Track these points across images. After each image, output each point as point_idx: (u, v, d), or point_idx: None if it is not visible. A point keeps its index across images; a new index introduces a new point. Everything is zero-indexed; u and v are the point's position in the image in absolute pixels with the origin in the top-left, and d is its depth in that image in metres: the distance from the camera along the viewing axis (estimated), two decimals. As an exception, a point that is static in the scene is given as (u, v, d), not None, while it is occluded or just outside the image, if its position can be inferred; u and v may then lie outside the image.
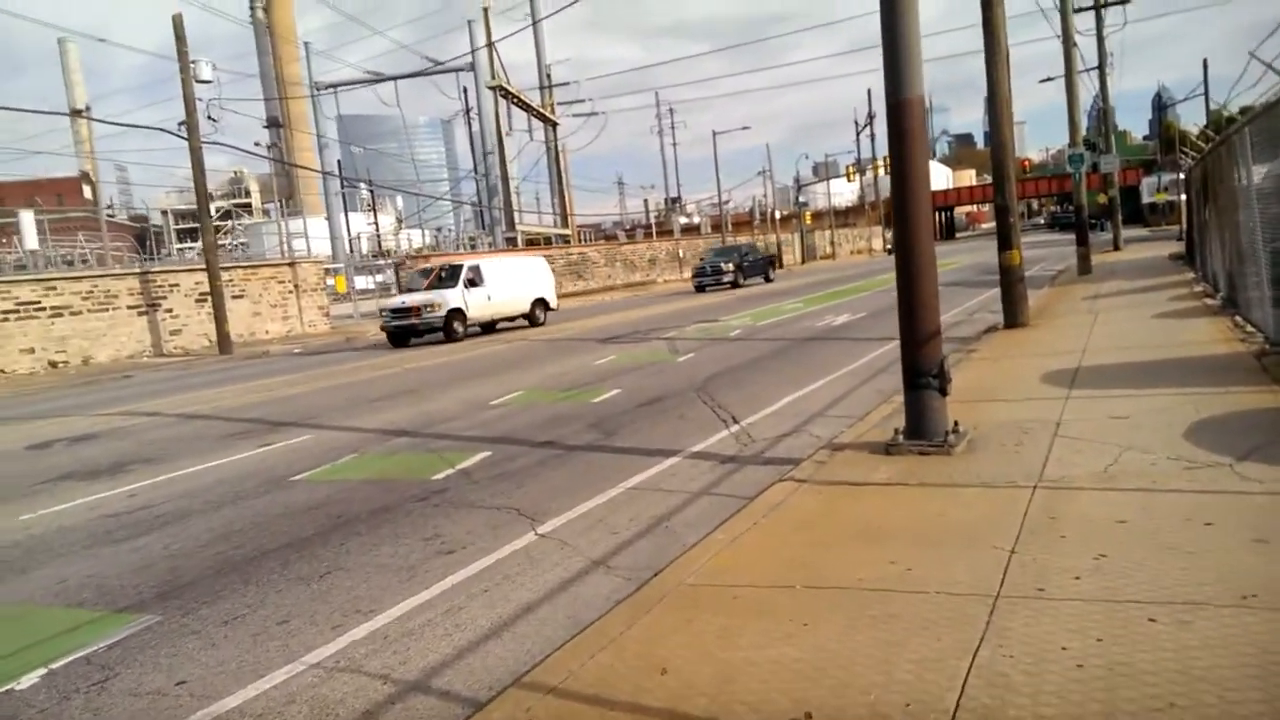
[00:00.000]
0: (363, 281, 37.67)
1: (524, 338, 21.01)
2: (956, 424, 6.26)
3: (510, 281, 24.12)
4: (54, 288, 24.01)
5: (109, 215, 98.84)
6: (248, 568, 5.42)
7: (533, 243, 60.37)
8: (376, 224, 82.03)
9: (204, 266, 30.15)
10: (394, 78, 65.87)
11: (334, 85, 69.40)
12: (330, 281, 33.67)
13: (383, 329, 22.85)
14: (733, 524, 5.05)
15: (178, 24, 22.65)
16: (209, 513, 6.84)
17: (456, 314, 21.78)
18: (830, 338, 15.22)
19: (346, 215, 77.29)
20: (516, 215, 57.80)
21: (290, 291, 30.99)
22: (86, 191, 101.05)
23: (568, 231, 67.49)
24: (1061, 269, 26.54)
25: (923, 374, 6.04)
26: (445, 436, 9.11)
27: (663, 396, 10.53)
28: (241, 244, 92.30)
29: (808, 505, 5.21)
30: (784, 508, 5.20)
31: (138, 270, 26.65)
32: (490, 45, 53.61)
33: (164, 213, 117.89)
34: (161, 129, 23.20)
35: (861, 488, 5.47)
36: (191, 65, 23.22)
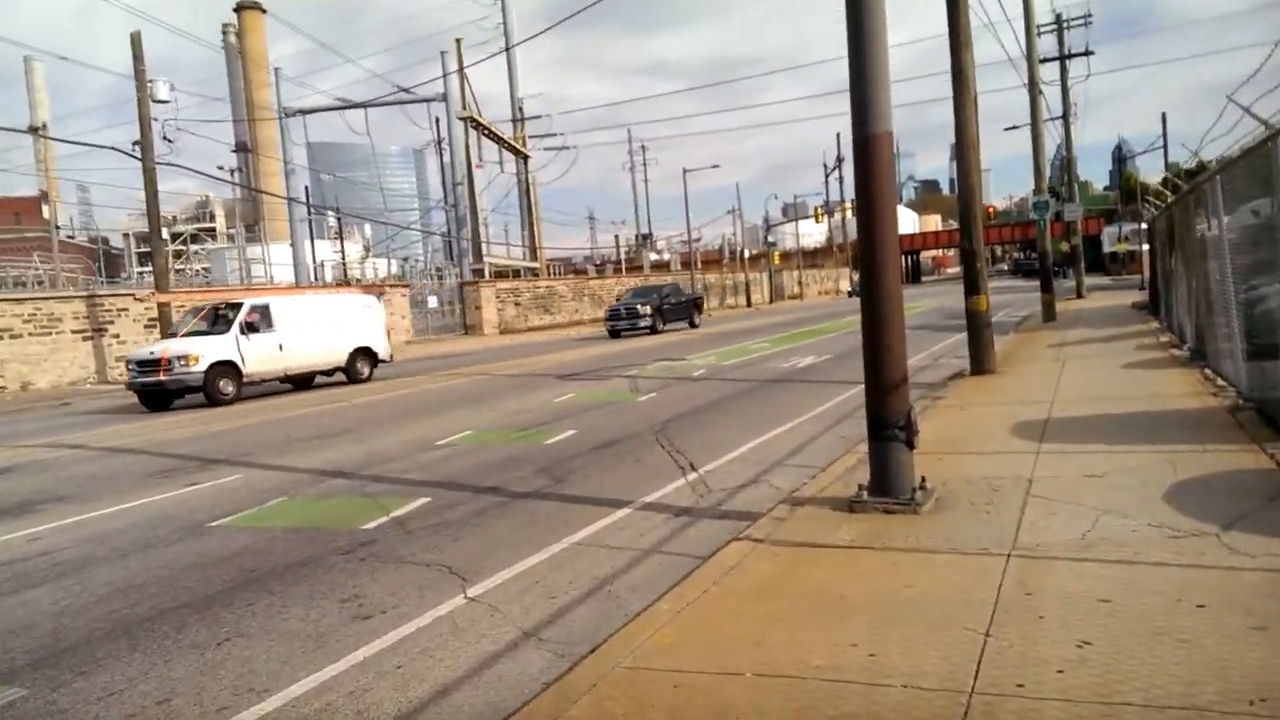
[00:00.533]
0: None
1: (485, 372, 20.44)
2: (924, 480, 5.87)
3: (318, 326, 19.16)
4: (-8, 309, 23.06)
5: (68, 237, 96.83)
6: (139, 630, 4.83)
7: (501, 275, 59.95)
8: (343, 252, 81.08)
9: (185, 291, 29.34)
10: (364, 105, 65.40)
11: (302, 111, 68.74)
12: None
13: (128, 387, 17.54)
14: (682, 590, 4.58)
15: (136, 42, 22.10)
16: (113, 562, 6.22)
17: (225, 369, 16.97)
18: (796, 379, 14.89)
19: (313, 243, 76.24)
20: (484, 246, 57.30)
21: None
22: (46, 211, 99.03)
23: (536, 265, 67.18)
24: (1026, 315, 26.62)
25: (888, 425, 5.65)
26: (384, 479, 8.55)
27: (619, 439, 10.06)
28: (204, 269, 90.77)
29: (763, 570, 4.76)
30: (738, 572, 4.75)
31: (84, 293, 25.76)
32: (461, 74, 53.58)
33: (125, 235, 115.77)
34: (115, 148, 22.54)
35: (822, 550, 5.03)
36: (150, 84, 22.64)
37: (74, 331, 24.80)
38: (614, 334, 31.95)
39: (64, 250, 79.72)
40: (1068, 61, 33.56)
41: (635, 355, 22.47)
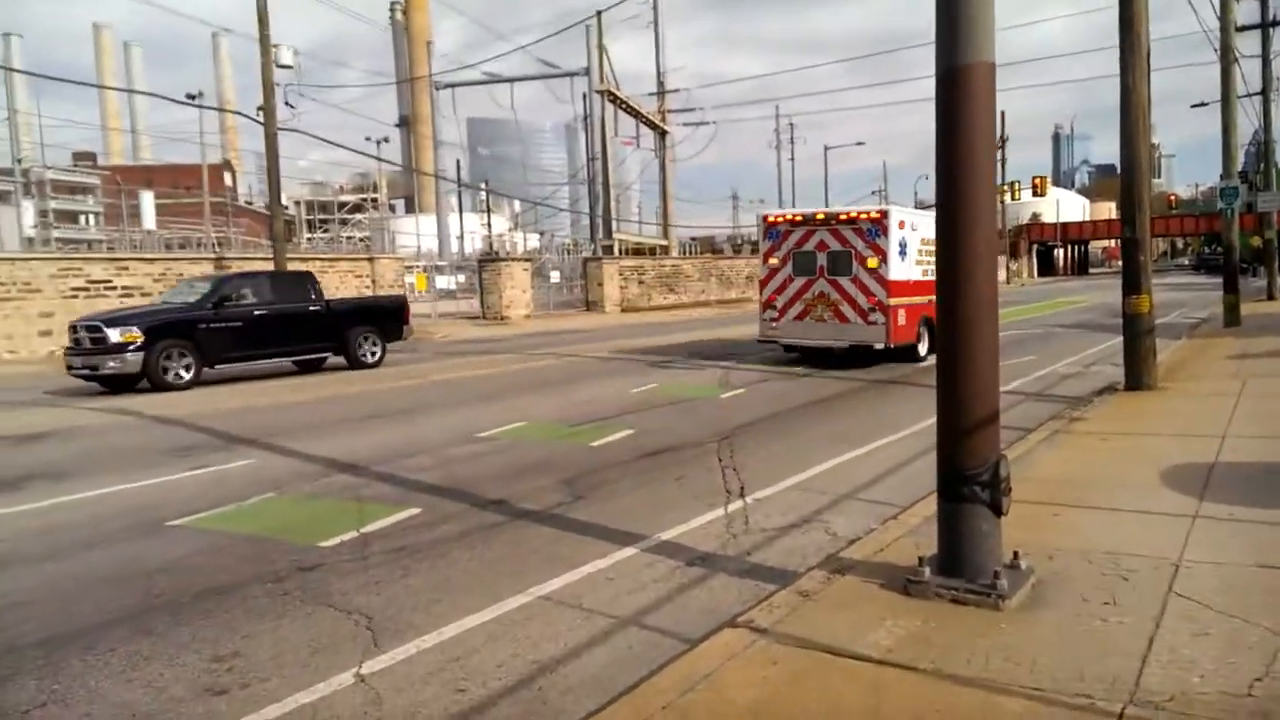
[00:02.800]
0: (445, 281, 37.09)
1: (578, 353, 19.42)
2: (1017, 555, 4.21)
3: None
4: (126, 268, 23.99)
5: (246, 203, 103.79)
6: (-29, 674, 3.91)
7: (637, 251, 59.26)
8: (489, 224, 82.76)
9: (300, 256, 30.05)
10: (509, 80, 65.81)
11: (452, 85, 69.87)
12: (410, 279, 33.10)
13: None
14: (620, 711, 3.20)
15: (261, 7, 22.23)
16: (32, 565, 5.43)
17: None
18: (912, 381, 12.96)
19: (461, 215, 78.26)
20: (615, 223, 56.61)
21: (366, 287, 30.47)
22: (227, 179, 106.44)
23: (667, 243, 66.11)
24: (1204, 317, 23.13)
25: (965, 479, 4.02)
26: (392, 478, 7.52)
27: (676, 445, 8.67)
28: (364, 239, 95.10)
29: (743, 692, 3.30)
30: (707, 690, 3.31)
31: (213, 256, 26.54)
32: (600, 48, 52.81)
33: (297, 203, 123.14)
34: (243, 114, 22.83)
35: (842, 664, 3.50)
36: (274, 49, 22.79)
37: (201, 292, 25.57)
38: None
39: (242, 215, 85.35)
40: (1271, 30, 29.02)
41: (744, 344, 20.89)
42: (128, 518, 6.43)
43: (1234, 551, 4.58)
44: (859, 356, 14.92)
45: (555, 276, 40.16)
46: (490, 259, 36.68)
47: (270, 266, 25.55)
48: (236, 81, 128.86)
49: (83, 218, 52.26)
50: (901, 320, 14.66)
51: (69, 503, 6.92)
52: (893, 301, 14.41)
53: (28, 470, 8.18)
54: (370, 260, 30.88)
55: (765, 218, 15.98)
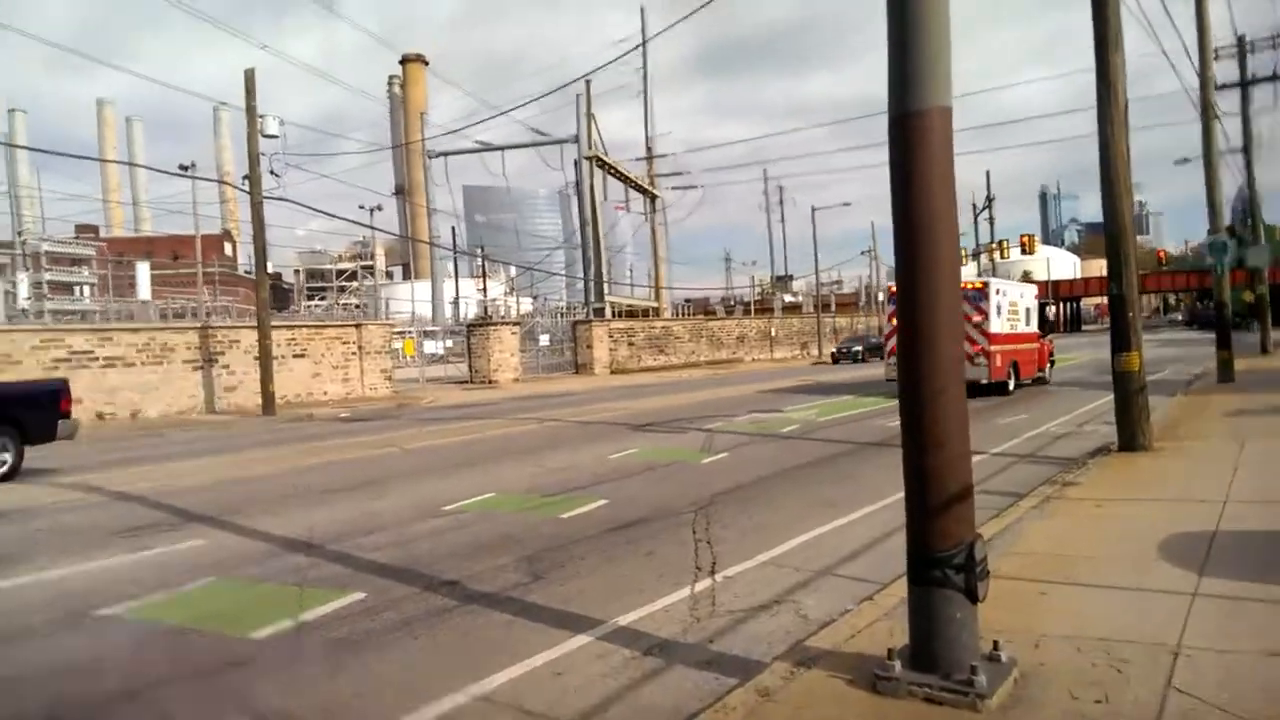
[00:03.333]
0: (434, 346, 36.87)
1: (560, 418, 19.05)
2: (997, 645, 3.80)
3: None
4: (109, 338, 23.72)
5: (245, 272, 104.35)
6: None
7: (631, 313, 59.40)
8: (485, 289, 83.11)
9: (287, 324, 29.89)
10: (500, 148, 66.69)
11: (445, 153, 70.77)
12: (397, 345, 32.86)
13: None
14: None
15: (249, 78, 22.46)
16: (-67, 665, 4.97)
17: None
18: (898, 444, 12.57)
19: (457, 281, 78.70)
20: (606, 286, 56.73)
21: (353, 353, 30.23)
22: (227, 249, 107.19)
23: (659, 305, 66.29)
24: (1198, 373, 22.86)
25: (935, 561, 3.64)
26: (342, 559, 7.09)
27: (649, 516, 8.26)
28: (358, 305, 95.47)
29: (682, 816, 2.87)
30: (640, 816, 2.88)
31: (198, 325, 26.32)
32: (588, 115, 53.60)
33: (296, 271, 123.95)
34: (229, 183, 22.85)
35: (797, 778, 3.08)
36: (260, 120, 22.93)
37: (185, 361, 25.26)
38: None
39: (240, 284, 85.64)
40: (1250, 87, 29.43)
41: (731, 404, 20.53)
42: (57, 608, 5.98)
43: (1238, 636, 4.17)
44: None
45: (545, 340, 39.96)
46: (479, 323, 36.55)
47: (250, 334, 25.35)
48: (236, 153, 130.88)
49: (79, 289, 52.47)
50: (998, 362, 19.71)
51: (4, 589, 6.47)
52: (993, 348, 19.35)
53: (-39, 554, 7.73)
54: (357, 327, 30.68)
55: (889, 288, 23.62)
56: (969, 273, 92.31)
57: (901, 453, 3.81)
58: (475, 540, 7.60)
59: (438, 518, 8.62)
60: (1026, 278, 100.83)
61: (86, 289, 50.86)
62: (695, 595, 5.82)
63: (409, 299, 79.47)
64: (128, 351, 23.95)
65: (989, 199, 77.30)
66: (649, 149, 71.45)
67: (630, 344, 43.34)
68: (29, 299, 45.30)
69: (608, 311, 50.96)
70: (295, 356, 28.38)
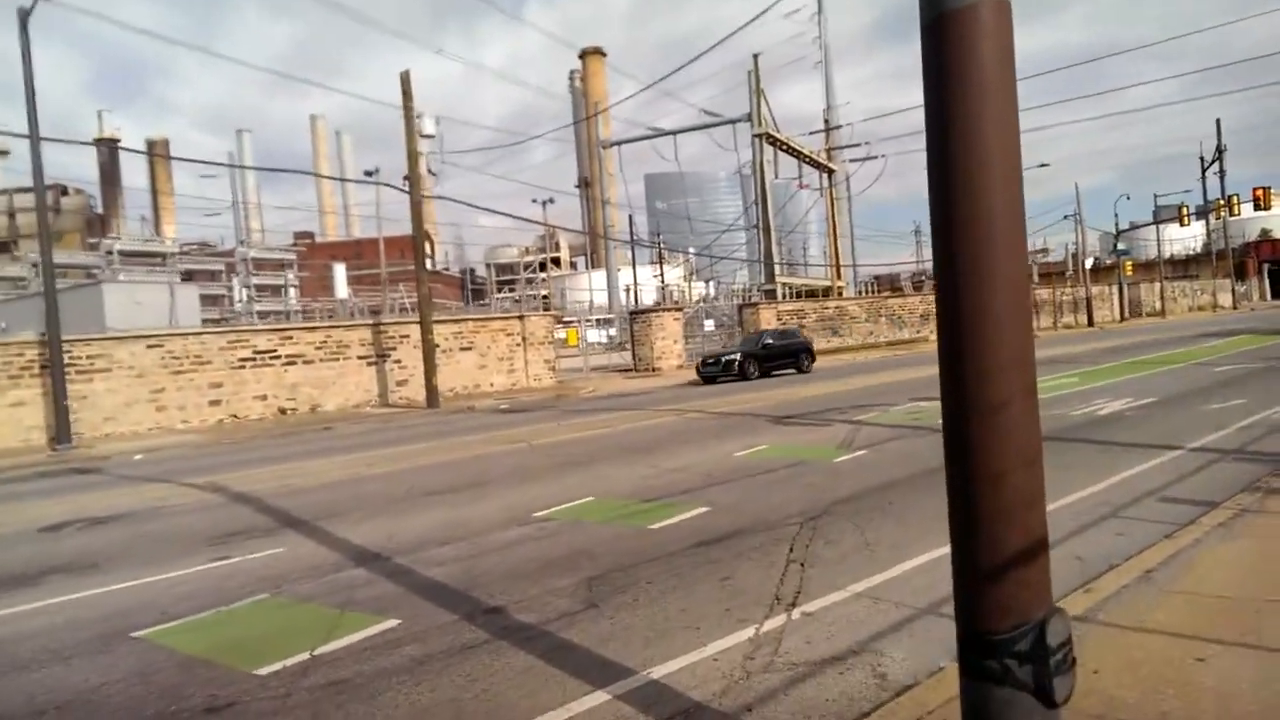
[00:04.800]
0: (596, 335, 36.96)
1: (704, 409, 18.14)
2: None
3: None
4: (290, 337, 25.31)
5: (443, 269, 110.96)
6: None
7: (811, 294, 57.52)
8: (661, 275, 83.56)
9: (454, 319, 30.93)
10: (672, 132, 66.38)
11: (619, 143, 71.39)
12: (561, 334, 33.14)
13: None
14: None
15: (404, 81, 23.08)
16: (-47, 690, 4.87)
17: None
18: (1077, 438, 10.70)
19: (635, 268, 79.52)
20: (781, 267, 54.99)
21: (518, 345, 30.75)
22: (428, 248, 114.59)
23: (841, 283, 63.63)
24: None
25: (991, 648, 2.47)
26: (400, 575, 6.61)
27: (747, 528, 7.25)
28: (544, 296, 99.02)
29: None
30: None
31: (370, 322, 27.59)
32: (758, 91, 52.03)
33: (488, 266, 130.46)
34: (388, 184, 23.69)
35: None
36: (417, 119, 23.55)
37: (359, 357, 26.57)
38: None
39: (437, 280, 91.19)
40: None
41: (895, 390, 18.82)
42: (102, 624, 5.86)
43: None
44: None
45: (709, 325, 39.08)
46: (641, 310, 36.24)
47: (419, 329, 26.21)
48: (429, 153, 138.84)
49: (285, 290, 57.74)
50: None
51: (62, 604, 6.48)
52: None
53: (63, 561, 7.97)
54: (521, 319, 31.17)
55: None
56: (1190, 234, 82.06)
57: (947, 485, 2.65)
58: (546, 555, 6.91)
59: (523, 525, 8.02)
60: (1266, 236, 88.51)
61: (292, 290, 55.78)
62: (759, 637, 4.80)
63: (588, 289, 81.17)
64: (306, 349, 25.45)
65: (1218, 150, 68.37)
66: (826, 121, 68.78)
67: (801, 326, 41.62)
68: (241, 301, 49.94)
69: (779, 293, 49.32)
70: (462, 349, 29.22)
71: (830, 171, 64.31)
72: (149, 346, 22.90)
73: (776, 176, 56.79)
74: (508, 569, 6.59)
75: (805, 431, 13.17)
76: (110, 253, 48.98)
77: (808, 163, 61.15)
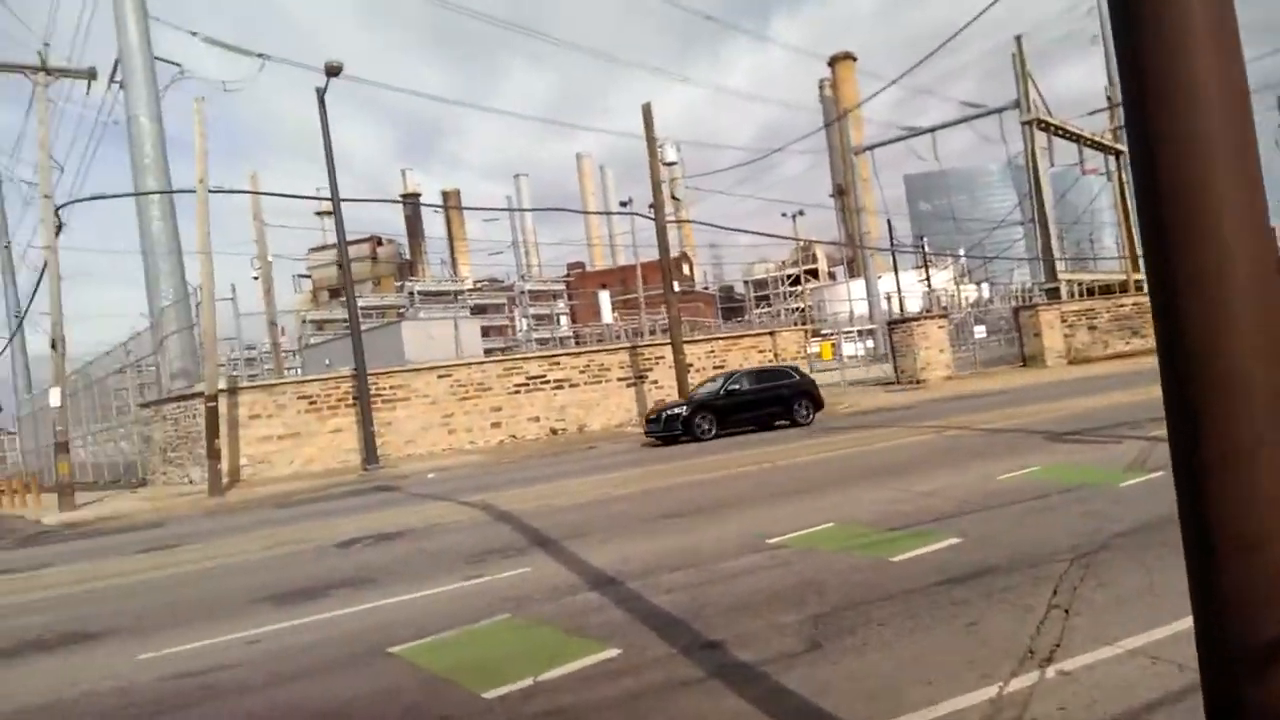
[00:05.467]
0: (852, 348, 35.66)
1: (970, 425, 16.74)
2: None
3: None
4: (557, 363, 26.98)
5: (703, 288, 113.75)
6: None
7: (1089, 292, 51.99)
8: (928, 280, 79.58)
9: (705, 338, 31.46)
10: (931, 129, 63.05)
11: (871, 147, 69.15)
12: (814, 348, 32.39)
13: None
14: None
15: (646, 113, 23.88)
16: (222, 699, 5.52)
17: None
18: None
19: (897, 275, 76.45)
20: (1061, 263, 49.96)
21: (770, 360, 30.50)
22: (685, 269, 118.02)
23: (1137, 277, 56.61)
24: None
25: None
26: (629, 601, 6.63)
27: (1005, 565, 6.48)
28: (800, 309, 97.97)
29: None
30: None
31: (627, 345, 28.70)
32: (1024, 73, 47.94)
33: (745, 282, 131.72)
34: (637, 213, 24.58)
35: None
36: (660, 148, 24.25)
37: (619, 379, 27.75)
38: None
39: (695, 299, 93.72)
40: None
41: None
42: (363, 640, 6.43)
43: None
44: None
45: (980, 331, 36.32)
46: (900, 320, 34.49)
47: (669, 349, 26.81)
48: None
49: (557, 319, 62.16)
50: None
51: (336, 618, 7.21)
52: None
53: (348, 575, 8.90)
54: (771, 334, 30.92)
55: None
56: None
57: (1184, 548, 2.08)
58: (774, 586, 6.62)
59: (756, 553, 7.78)
60: None
61: (562, 318, 59.87)
62: (1001, 699, 4.20)
63: (847, 299, 78.97)
64: (571, 373, 27.00)
65: None
66: (1108, 99, 61.87)
67: (1091, 327, 37.45)
68: (522, 331, 54.28)
69: (1063, 291, 44.79)
70: (715, 368, 29.51)
71: (1118, 153, 57.57)
72: (439, 376, 25.45)
73: (1053, 164, 51.83)
74: (733, 600, 6.38)
75: (1086, 450, 11.68)
76: (412, 294, 55.44)
77: (1089, 145, 55.22)
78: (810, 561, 7.27)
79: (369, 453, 22.53)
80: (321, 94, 22.21)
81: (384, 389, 24.44)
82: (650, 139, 23.89)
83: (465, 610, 6.90)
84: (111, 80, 26.79)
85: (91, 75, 23.28)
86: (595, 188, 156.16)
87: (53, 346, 21.53)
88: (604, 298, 58.68)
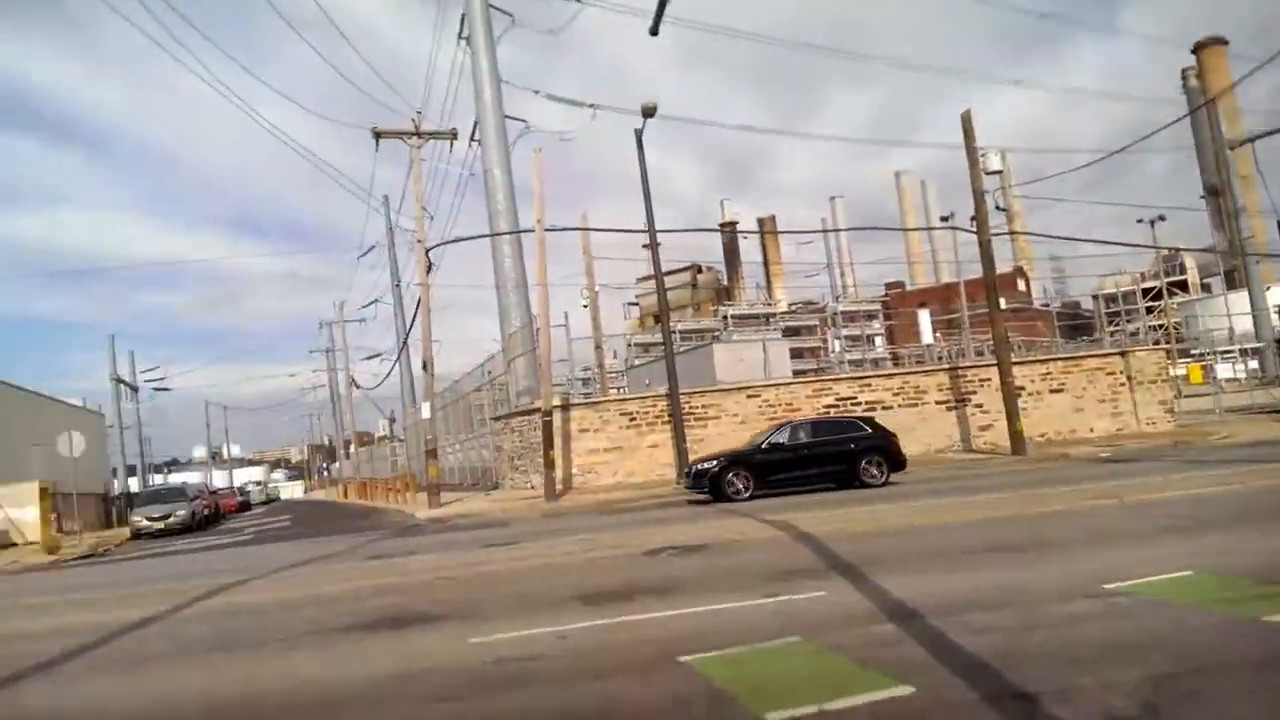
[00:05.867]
0: (1228, 370, 30.36)
1: None
2: None
3: None
4: (868, 384, 26.09)
5: (1043, 305, 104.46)
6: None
7: None
8: (1322, 288, 66.31)
9: (1039, 359, 28.80)
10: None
11: (1253, 138, 59.11)
12: (1180, 370, 28.09)
13: None
14: None
15: (965, 120, 22.34)
16: (537, 687, 5.92)
17: None
18: None
19: (1288, 285, 64.23)
20: None
21: (1121, 384, 26.96)
22: (1020, 285, 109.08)
23: None
24: None
25: None
26: (931, 639, 6.12)
27: None
28: (1161, 326, 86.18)
29: None
30: None
31: (945, 366, 26.99)
32: None
33: (1094, 297, 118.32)
34: (957, 228, 23.10)
35: None
36: (981, 157, 22.58)
37: (937, 402, 26.16)
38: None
39: (1033, 317, 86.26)
40: None
41: None
42: (657, 646, 6.59)
43: None
44: None
45: None
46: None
47: (998, 372, 24.74)
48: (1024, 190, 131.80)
49: (871, 340, 60.26)
50: None
51: (634, 623, 7.46)
52: None
53: (652, 583, 9.20)
54: (1123, 354, 27.33)
55: None
56: None
57: None
58: (1108, 638, 5.75)
59: (1090, 598, 6.84)
60: None
61: (877, 339, 57.72)
62: None
63: (1225, 314, 67.83)
64: (884, 395, 25.97)
65: None
66: None
67: None
68: (834, 352, 53.45)
69: None
70: (1052, 391, 26.78)
71: None
72: (748, 396, 25.82)
73: None
74: (1055, 649, 5.64)
75: None
76: (725, 317, 57.00)
77: None
78: (1158, 613, 6.23)
79: (681, 467, 23.42)
80: (639, 134, 23.68)
81: (696, 407, 25.30)
82: (970, 148, 22.34)
83: (757, 628, 6.83)
84: (471, 139, 30.86)
85: (453, 136, 26.95)
86: (916, 204, 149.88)
87: (424, 367, 25.12)
88: (923, 317, 55.90)
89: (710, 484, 18.20)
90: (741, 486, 18.07)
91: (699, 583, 9.03)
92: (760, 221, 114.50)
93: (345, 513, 36.47)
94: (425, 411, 25.32)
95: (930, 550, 9.72)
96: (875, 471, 18.65)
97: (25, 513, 30.21)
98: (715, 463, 18.60)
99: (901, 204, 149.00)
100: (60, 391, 66.59)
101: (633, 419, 25.24)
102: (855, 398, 25.67)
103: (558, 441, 24.11)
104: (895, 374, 26.83)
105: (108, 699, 6.77)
